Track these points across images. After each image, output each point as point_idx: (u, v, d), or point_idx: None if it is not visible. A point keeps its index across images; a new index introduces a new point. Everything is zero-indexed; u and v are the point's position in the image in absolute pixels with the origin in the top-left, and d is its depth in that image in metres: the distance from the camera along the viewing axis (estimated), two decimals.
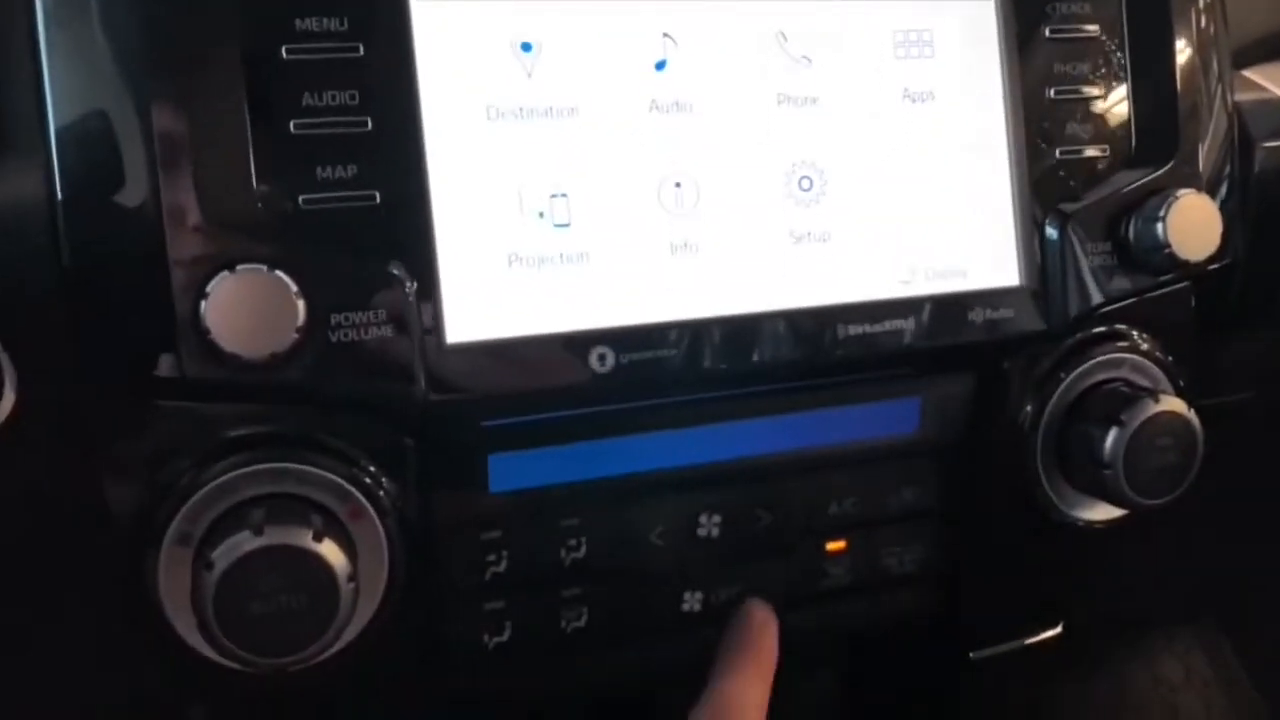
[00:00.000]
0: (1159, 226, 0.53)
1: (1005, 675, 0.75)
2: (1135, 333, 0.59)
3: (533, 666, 0.57)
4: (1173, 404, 0.56)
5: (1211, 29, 0.59)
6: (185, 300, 0.41)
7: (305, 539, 0.43)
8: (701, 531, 0.58)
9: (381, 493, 0.48)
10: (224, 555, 0.43)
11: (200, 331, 0.41)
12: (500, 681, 0.57)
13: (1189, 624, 1.23)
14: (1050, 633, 0.69)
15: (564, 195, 0.47)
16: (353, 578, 0.44)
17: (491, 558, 0.55)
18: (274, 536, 0.43)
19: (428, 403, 0.46)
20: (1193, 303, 0.61)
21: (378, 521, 0.48)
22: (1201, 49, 0.58)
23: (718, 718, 0.52)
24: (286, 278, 0.42)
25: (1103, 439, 0.56)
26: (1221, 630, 1.10)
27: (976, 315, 0.53)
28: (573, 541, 0.56)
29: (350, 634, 0.48)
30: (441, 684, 0.56)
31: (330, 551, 0.44)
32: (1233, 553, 0.83)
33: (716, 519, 0.58)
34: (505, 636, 0.56)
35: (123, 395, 0.46)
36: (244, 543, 0.43)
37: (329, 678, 0.51)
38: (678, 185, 0.49)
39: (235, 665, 0.46)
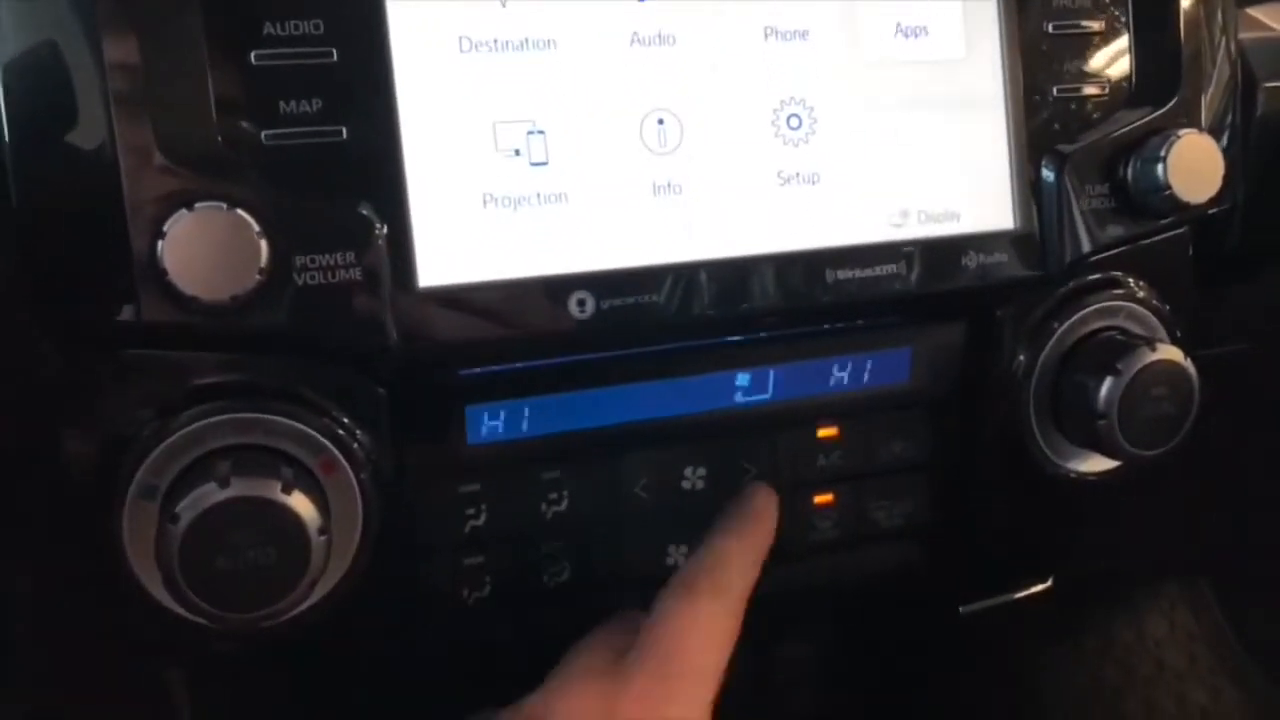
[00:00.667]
0: (1159, 167, 0.51)
1: (993, 630, 0.74)
2: (1132, 280, 0.58)
3: (514, 622, 0.56)
4: (1169, 353, 0.54)
5: None
6: (142, 240, 0.39)
7: (274, 491, 0.41)
8: (686, 484, 0.57)
9: (355, 445, 0.46)
10: (189, 508, 0.41)
11: (158, 273, 0.39)
12: (480, 637, 0.56)
13: (1175, 580, 1.24)
14: (1040, 587, 0.68)
15: (541, 132, 0.45)
16: (324, 530, 0.43)
17: (470, 511, 0.53)
18: (241, 488, 0.41)
19: (400, 350, 0.44)
20: (1190, 250, 0.60)
21: (351, 474, 0.46)
22: None
23: (704, 569, 0.50)
24: (248, 216, 0.39)
25: (1097, 388, 0.55)
26: (1208, 585, 1.10)
27: (970, 260, 0.51)
28: (553, 495, 0.54)
29: (323, 588, 0.46)
30: (420, 639, 0.55)
31: (300, 504, 0.42)
32: (1223, 510, 0.82)
33: (702, 471, 0.57)
34: (485, 591, 0.55)
35: (82, 343, 0.44)
36: (210, 495, 0.41)
37: (304, 634, 0.50)
38: (660, 122, 0.47)
39: (204, 622, 0.44)
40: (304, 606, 0.45)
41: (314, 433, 0.45)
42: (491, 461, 0.52)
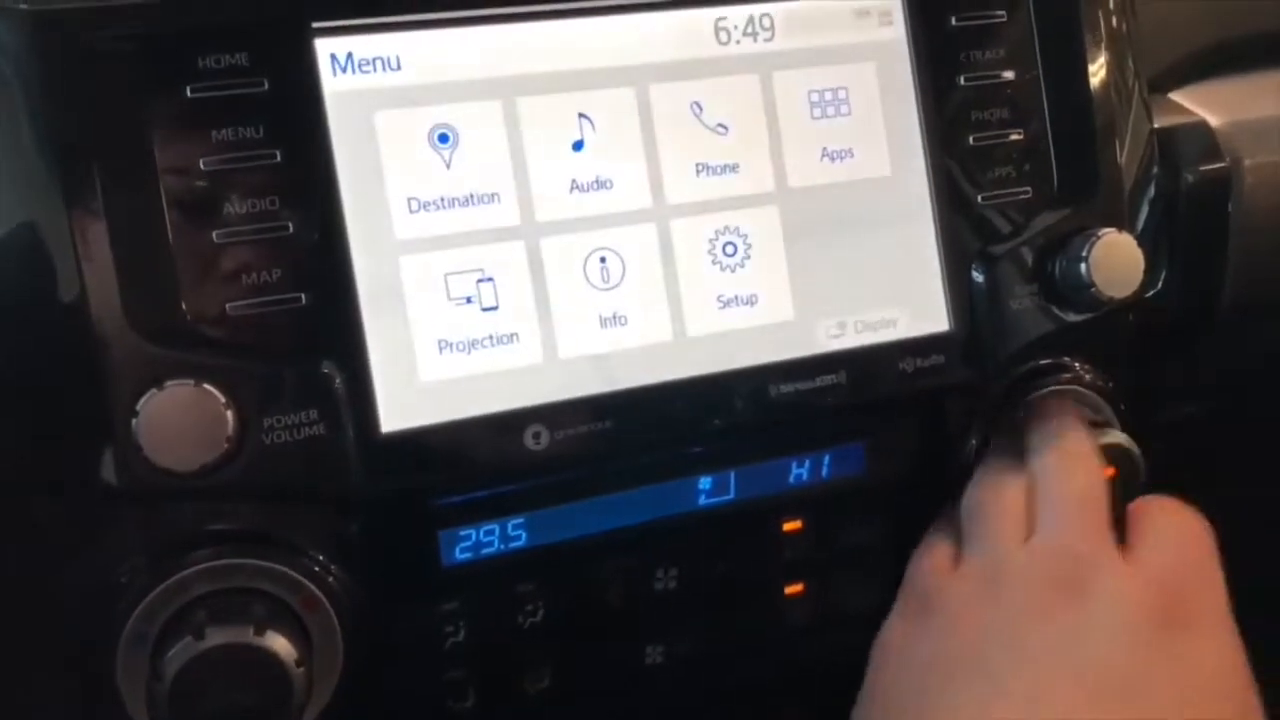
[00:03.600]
0: (1082, 266, 0.53)
1: None
2: (1077, 364, 0.60)
3: None
4: (1114, 437, 0.57)
5: (1127, 60, 0.60)
6: (118, 418, 0.42)
7: (247, 635, 0.44)
8: (659, 585, 0.59)
9: (331, 579, 0.49)
10: (172, 662, 0.44)
11: (135, 448, 0.42)
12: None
13: None
14: None
15: (490, 279, 0.48)
16: (301, 663, 0.45)
17: (449, 628, 0.56)
18: (215, 638, 0.44)
19: (365, 494, 0.47)
20: (1129, 328, 0.62)
21: (330, 609, 0.49)
22: (1117, 82, 0.59)
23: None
24: (215, 390, 0.43)
25: None
26: None
27: (908, 364, 0.54)
28: (529, 606, 0.57)
29: (312, 713, 0.49)
30: None
31: (274, 642, 0.45)
32: None
33: (673, 572, 0.59)
34: (470, 702, 0.57)
35: (70, 496, 0.47)
36: (189, 649, 0.44)
37: None
38: (603, 260, 0.50)
39: None
40: None
41: (292, 572, 0.48)
42: (467, 579, 0.55)
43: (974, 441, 0.59)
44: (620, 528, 0.57)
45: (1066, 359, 0.60)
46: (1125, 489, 0.57)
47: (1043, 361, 0.59)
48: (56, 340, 0.44)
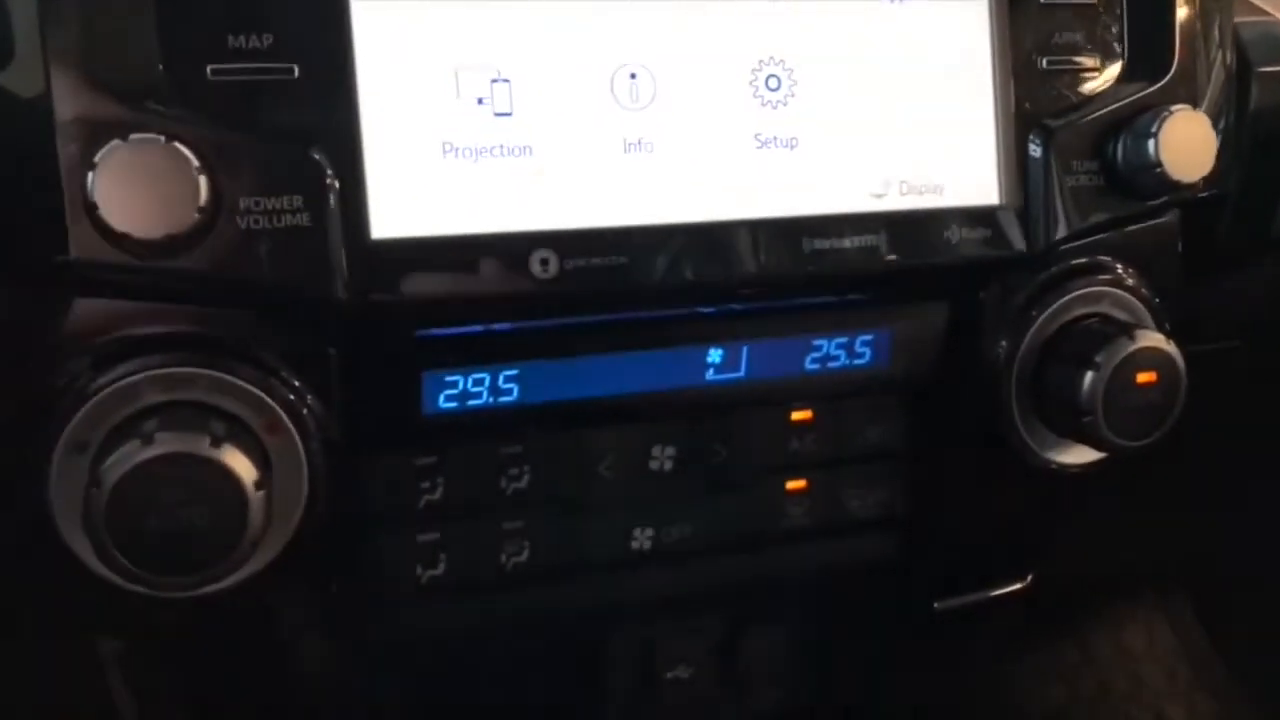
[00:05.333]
0: (1150, 143, 0.49)
1: (968, 636, 0.72)
2: (1118, 266, 0.56)
3: (468, 604, 0.54)
4: (1152, 339, 0.52)
5: None
6: (72, 172, 0.37)
7: (202, 445, 0.39)
8: (654, 465, 0.55)
9: (304, 409, 0.44)
10: (113, 468, 0.39)
11: (88, 206, 0.37)
12: (433, 619, 0.53)
13: (1155, 592, 1.22)
14: (1017, 585, 0.65)
15: (506, 80, 0.43)
16: (261, 485, 0.40)
17: (425, 485, 0.51)
18: (166, 444, 0.39)
19: (349, 304, 0.41)
20: (1178, 238, 0.58)
21: (297, 438, 0.44)
22: None
23: None
24: (186, 151, 0.37)
25: (1079, 382, 0.53)
26: (1186, 598, 1.08)
27: (952, 234, 0.49)
28: (514, 470, 0.52)
29: (265, 555, 0.44)
30: (370, 621, 0.52)
31: (232, 458, 0.40)
32: (1208, 515, 0.80)
33: (670, 452, 0.55)
34: (440, 570, 0.52)
35: (15, 286, 0.42)
36: (134, 453, 0.39)
37: (246, 607, 0.48)
38: (633, 76, 0.45)
39: (141, 589, 0.42)
40: (246, 573, 0.43)
41: (258, 391, 0.43)
42: (449, 433, 0.50)
43: (1003, 344, 0.55)
44: (620, 394, 0.52)
45: (1107, 259, 0.56)
46: (1166, 395, 0.53)
47: (1083, 260, 0.55)
48: (10, 87, 0.39)
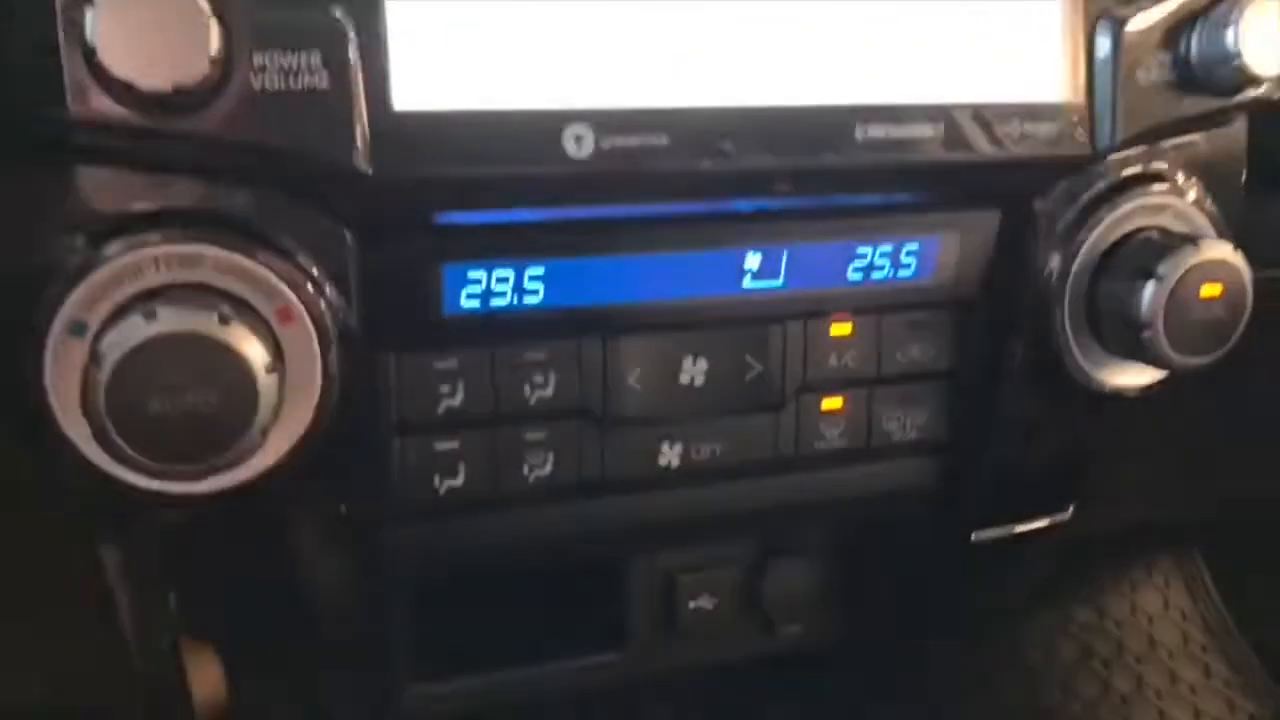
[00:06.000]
0: (1229, 33, 0.46)
1: (1000, 574, 0.70)
2: (1181, 176, 0.53)
3: (488, 517, 0.51)
4: (1218, 250, 0.49)
5: None
6: (68, 10, 0.34)
7: (209, 324, 0.36)
8: (684, 378, 0.52)
9: (319, 298, 0.41)
10: (114, 347, 0.36)
11: (87, 51, 0.33)
12: (450, 532, 0.51)
13: (1171, 555, 1.20)
14: (1060, 517, 0.63)
15: None
16: (273, 369, 0.37)
17: (445, 389, 0.48)
18: (171, 322, 0.36)
19: (368, 180, 0.38)
20: (1244, 152, 0.54)
21: (311, 328, 0.41)
22: None
23: None
24: None
25: (1138, 296, 0.50)
26: (1202, 560, 1.06)
27: (1012, 129, 0.46)
28: (539, 377, 0.49)
29: (274, 451, 0.41)
30: (385, 530, 0.50)
31: (242, 339, 0.37)
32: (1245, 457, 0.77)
33: (702, 364, 0.52)
34: (459, 480, 0.50)
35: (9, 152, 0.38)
36: (135, 331, 0.36)
37: (253, 510, 0.45)
38: None
39: (143, 482, 0.39)
40: (254, 469, 0.40)
41: (271, 275, 0.40)
42: (470, 336, 0.47)
43: (1057, 257, 0.52)
44: (651, 301, 0.49)
45: (1171, 169, 0.52)
46: (1231, 311, 0.50)
47: (1143, 169, 0.52)
48: None
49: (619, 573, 0.62)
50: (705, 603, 0.63)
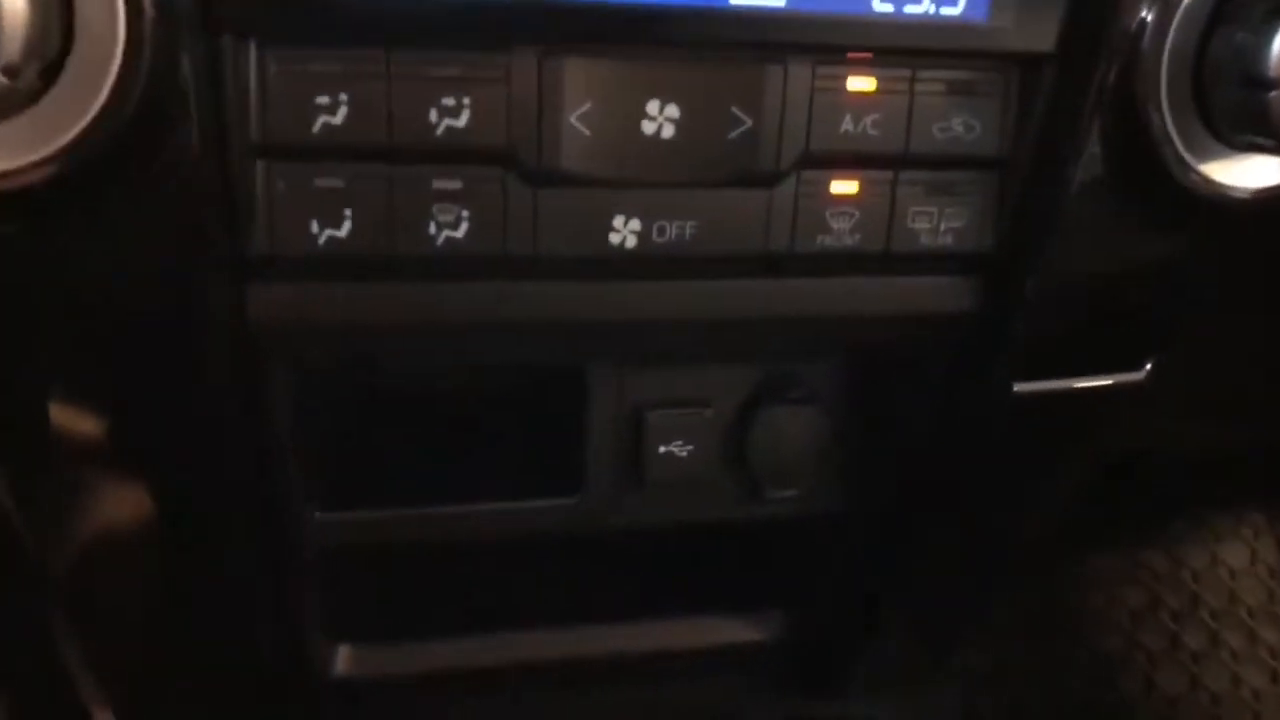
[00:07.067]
0: None
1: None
2: None
3: (384, 285, 0.40)
4: None
5: None
6: None
7: None
8: (648, 126, 0.40)
9: None
10: None
11: None
12: (329, 302, 0.40)
13: (1263, 513, 1.08)
14: (1129, 377, 0.49)
15: None
16: None
17: (323, 99, 0.37)
18: None
19: None
20: None
21: None
22: None
23: None
24: None
25: (1266, 43, 0.36)
26: None
27: None
28: (448, 101, 0.38)
29: (55, 132, 0.31)
30: (249, 287, 0.39)
31: None
32: None
33: (672, 110, 0.40)
34: (342, 230, 0.39)
35: None
36: None
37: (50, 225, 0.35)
38: None
39: None
40: (32, 154, 0.30)
41: None
42: (355, 28, 0.36)
43: (1150, 4, 0.39)
44: (606, 3, 0.37)
45: None
46: None
47: None
48: None
49: (576, 400, 0.50)
50: (678, 449, 0.51)
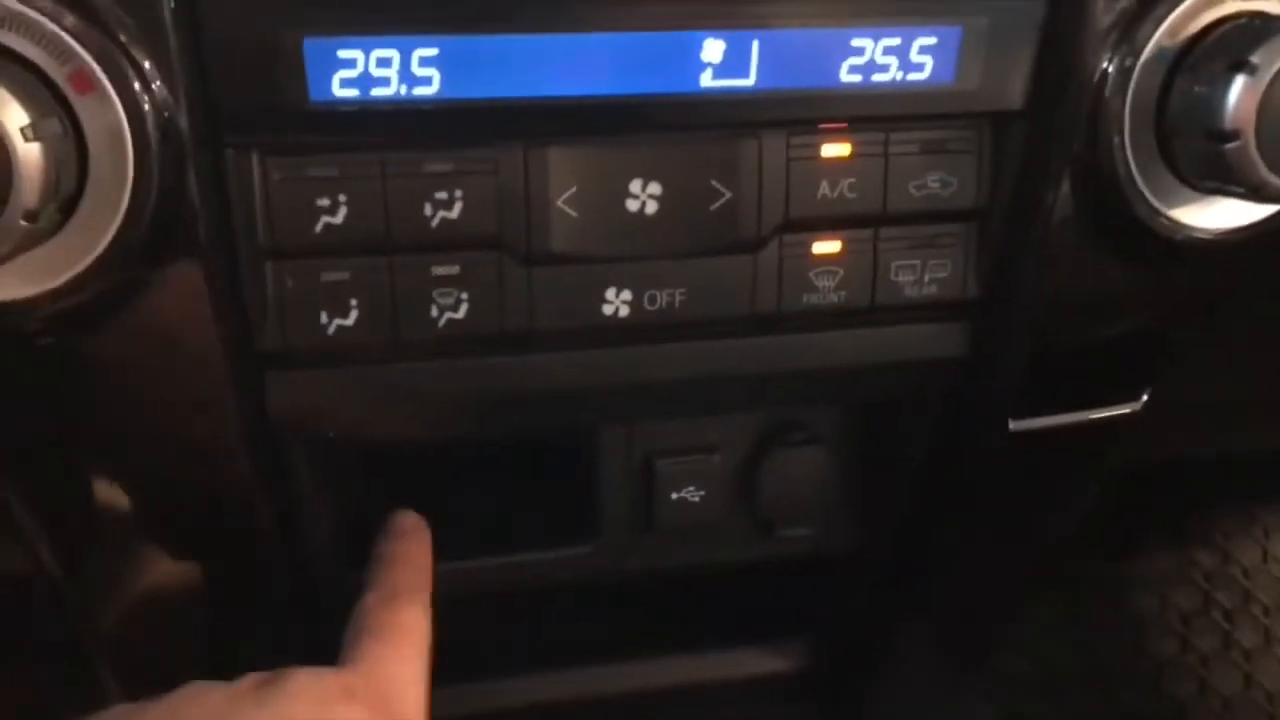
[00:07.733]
0: None
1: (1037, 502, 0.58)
2: None
3: (387, 368, 0.42)
4: None
5: None
6: None
7: None
8: (633, 204, 0.42)
9: (126, 62, 0.33)
10: None
11: None
12: (340, 384, 0.42)
13: (1274, 504, 1.06)
14: (1124, 408, 0.50)
15: None
16: (38, 135, 0.30)
17: (323, 201, 0.39)
18: None
19: None
20: None
21: (116, 100, 0.33)
22: None
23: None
24: None
25: (1225, 91, 0.37)
26: None
27: None
28: (441, 194, 0.40)
29: (70, 260, 0.34)
30: (267, 377, 0.42)
31: None
32: None
33: (654, 187, 0.42)
34: (350, 319, 0.41)
35: None
36: None
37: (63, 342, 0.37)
38: None
39: None
40: (46, 283, 0.33)
41: (49, 23, 0.32)
42: (350, 132, 0.38)
43: (1119, 50, 0.40)
44: (584, 97, 0.39)
45: None
46: None
47: None
48: None
49: (590, 455, 0.53)
50: (690, 494, 0.53)
